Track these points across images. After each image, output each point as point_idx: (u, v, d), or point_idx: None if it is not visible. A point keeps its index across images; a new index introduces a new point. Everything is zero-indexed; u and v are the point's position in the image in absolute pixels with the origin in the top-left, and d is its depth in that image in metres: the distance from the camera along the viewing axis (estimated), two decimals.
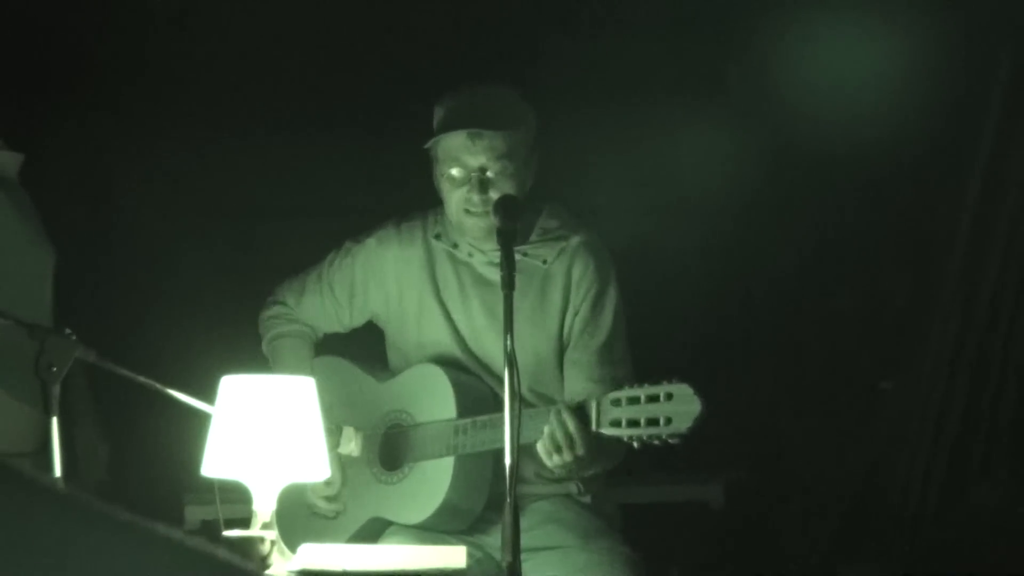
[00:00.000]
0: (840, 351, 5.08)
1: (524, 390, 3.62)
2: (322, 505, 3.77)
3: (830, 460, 5.01)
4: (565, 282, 3.71)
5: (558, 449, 3.37)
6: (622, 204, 4.62)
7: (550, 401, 3.65)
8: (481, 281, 3.75)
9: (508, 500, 3.03)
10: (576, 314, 3.71)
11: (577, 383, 3.67)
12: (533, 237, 3.73)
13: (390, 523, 3.71)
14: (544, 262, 3.72)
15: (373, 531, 3.73)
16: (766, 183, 4.98)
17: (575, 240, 3.74)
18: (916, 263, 4.98)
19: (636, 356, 3.78)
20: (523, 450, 3.40)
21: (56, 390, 3.04)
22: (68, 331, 3.12)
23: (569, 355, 3.71)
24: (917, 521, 4.77)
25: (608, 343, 3.70)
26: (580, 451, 3.36)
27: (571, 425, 3.36)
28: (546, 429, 3.38)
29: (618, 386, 3.45)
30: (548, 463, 3.42)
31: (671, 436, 3.26)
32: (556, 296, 3.71)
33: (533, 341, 3.67)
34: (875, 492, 4.90)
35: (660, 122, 4.85)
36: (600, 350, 3.69)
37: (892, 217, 5.01)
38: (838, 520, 4.95)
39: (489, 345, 3.72)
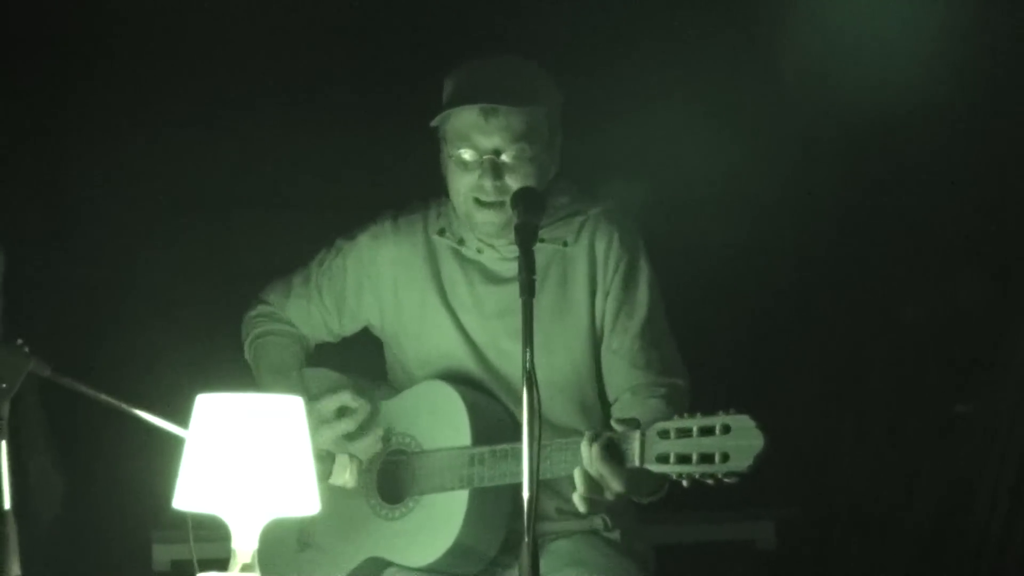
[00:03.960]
0: (911, 370, 5.13)
1: (564, 412, 3.62)
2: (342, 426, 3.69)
3: (899, 494, 5.03)
4: (589, 261, 3.65)
5: (593, 490, 3.26)
6: (666, 200, 4.66)
7: (599, 423, 3.59)
8: (493, 278, 3.68)
9: (526, 540, 2.95)
10: (607, 296, 3.64)
11: (620, 374, 3.59)
12: (544, 220, 3.60)
13: (389, 563, 3.65)
14: (565, 244, 3.65)
15: (371, 572, 3.67)
16: (831, 183, 5.05)
17: (594, 211, 3.69)
18: (996, 271, 4.99)
19: None
20: (544, 483, 3.32)
21: (5, 409, 2.99)
22: (19, 342, 3.07)
23: (608, 344, 3.64)
24: (1000, 565, 4.76)
25: (649, 322, 3.63)
26: (617, 487, 3.24)
27: (599, 466, 3.23)
28: (576, 472, 3.27)
29: (667, 369, 3.49)
30: (581, 508, 3.32)
31: (728, 475, 3.12)
32: (581, 279, 3.65)
33: (564, 340, 3.61)
34: (951, 530, 4.91)
35: (716, 113, 4.90)
36: (641, 332, 3.61)
37: (970, 221, 5.03)
38: (907, 563, 4.95)
39: (507, 354, 3.64)
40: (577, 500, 3.28)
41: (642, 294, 3.64)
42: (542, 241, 3.59)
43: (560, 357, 3.58)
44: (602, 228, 3.65)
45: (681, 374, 3.60)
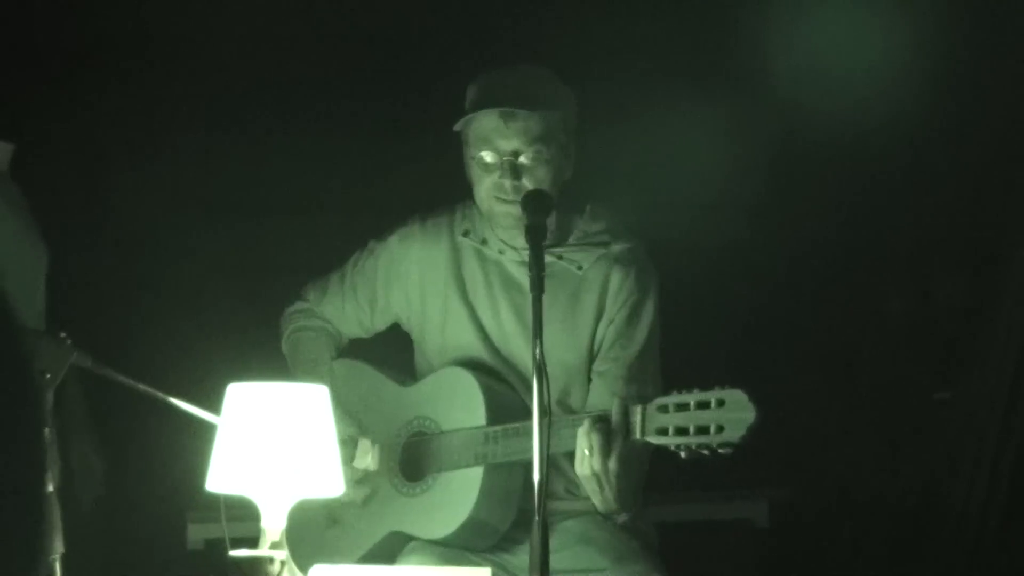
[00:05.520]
0: (894, 358, 5.05)
1: (552, 402, 3.61)
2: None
3: (883, 476, 4.98)
4: (601, 290, 3.72)
5: (590, 451, 3.38)
6: (657, 200, 4.63)
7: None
8: (511, 283, 3.76)
9: (536, 519, 3.04)
10: (610, 323, 3.71)
11: (601, 397, 3.66)
12: (572, 240, 3.74)
13: (410, 538, 3.72)
14: (579, 268, 3.72)
15: (392, 546, 3.74)
16: (813, 178, 4.98)
17: (616, 248, 3.74)
18: (977, 263, 4.94)
19: (672, 363, 3.79)
20: (553, 463, 3.54)
21: (50, 398, 3.02)
22: (63, 335, 3.11)
23: (597, 365, 3.71)
24: (978, 543, 4.74)
25: (639, 359, 3.70)
26: (612, 463, 3.38)
27: (598, 438, 3.38)
28: (580, 430, 3.40)
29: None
30: (578, 469, 3.44)
31: (722, 446, 3.27)
32: (590, 303, 3.72)
33: (562, 351, 3.66)
34: (932, 512, 4.88)
35: (702, 117, 4.83)
36: (630, 365, 3.69)
37: (951, 214, 4.98)
38: (892, 542, 4.93)
39: (518, 351, 3.73)
40: (577, 460, 3.41)
41: (640, 332, 3.70)
42: (560, 259, 3.68)
43: (555, 366, 3.53)
44: (620, 265, 3.71)
45: None
